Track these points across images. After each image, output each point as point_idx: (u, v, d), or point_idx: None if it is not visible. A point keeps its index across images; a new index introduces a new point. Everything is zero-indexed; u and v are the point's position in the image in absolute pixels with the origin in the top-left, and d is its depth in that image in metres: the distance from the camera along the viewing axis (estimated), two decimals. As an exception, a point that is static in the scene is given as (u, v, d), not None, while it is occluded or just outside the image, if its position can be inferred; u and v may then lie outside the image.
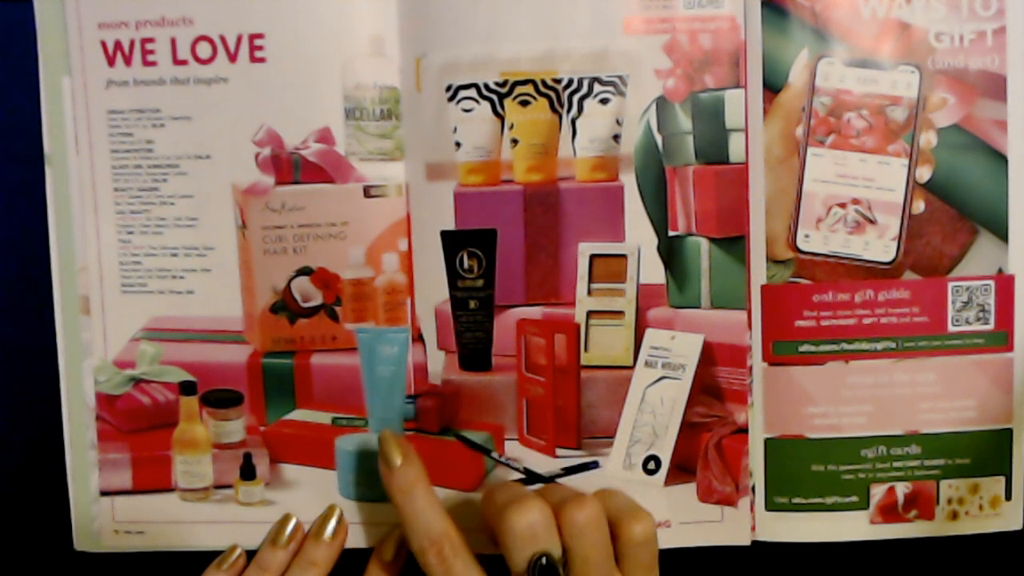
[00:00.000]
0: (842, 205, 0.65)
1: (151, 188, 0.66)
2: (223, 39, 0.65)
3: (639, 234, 0.66)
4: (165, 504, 0.68)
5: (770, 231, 0.66)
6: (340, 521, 0.66)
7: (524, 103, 0.65)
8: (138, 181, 0.66)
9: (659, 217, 0.66)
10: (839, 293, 0.66)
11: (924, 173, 0.65)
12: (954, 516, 0.67)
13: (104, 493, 0.68)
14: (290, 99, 0.65)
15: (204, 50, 0.65)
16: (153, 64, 0.65)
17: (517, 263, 0.67)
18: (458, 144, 0.66)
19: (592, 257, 0.66)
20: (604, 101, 0.65)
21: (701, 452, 0.66)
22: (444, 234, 0.66)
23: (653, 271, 0.66)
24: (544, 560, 0.58)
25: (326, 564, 0.65)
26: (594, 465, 0.67)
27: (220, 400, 0.67)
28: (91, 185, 0.66)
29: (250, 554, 0.66)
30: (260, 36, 0.65)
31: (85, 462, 0.67)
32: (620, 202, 0.66)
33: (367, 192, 0.66)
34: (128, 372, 0.67)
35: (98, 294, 0.67)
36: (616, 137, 0.66)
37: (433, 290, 0.66)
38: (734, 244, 0.66)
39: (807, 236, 0.66)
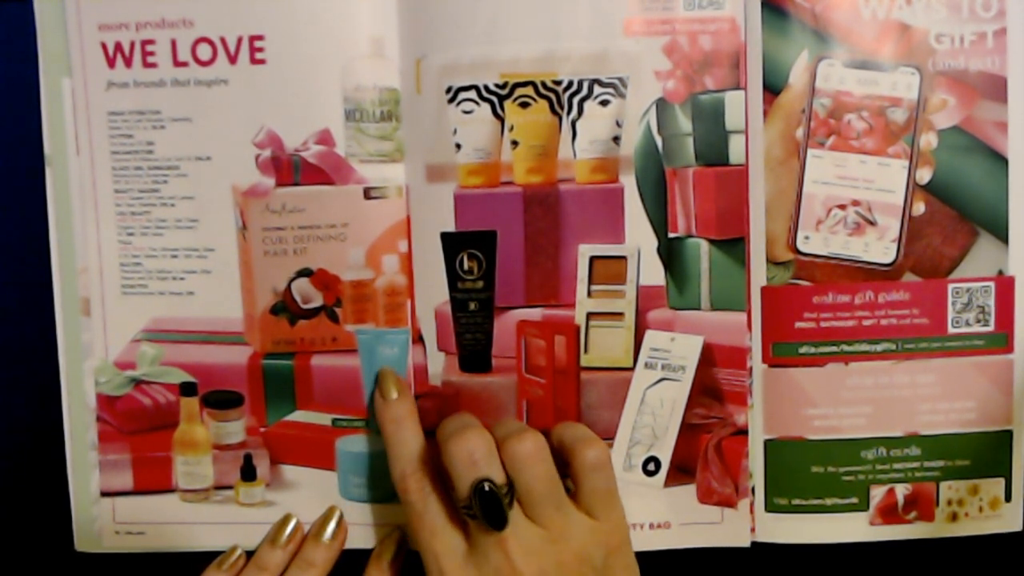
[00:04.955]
0: (842, 207, 0.65)
1: (151, 189, 0.66)
2: (223, 41, 0.65)
3: (639, 236, 0.66)
4: (166, 505, 0.68)
5: (770, 233, 0.66)
6: (340, 523, 0.66)
7: (524, 105, 0.65)
8: (138, 182, 0.66)
9: (659, 219, 0.66)
10: (839, 295, 0.66)
11: (924, 175, 0.65)
12: (954, 517, 0.67)
13: (105, 494, 0.68)
14: (290, 101, 0.65)
15: (204, 52, 0.65)
16: (153, 66, 0.65)
17: (517, 265, 0.67)
18: (458, 146, 0.66)
19: (592, 259, 0.66)
20: (604, 103, 0.65)
21: (701, 453, 0.66)
22: (444, 236, 0.66)
23: (653, 273, 0.66)
24: (486, 486, 0.59)
25: (324, 565, 0.65)
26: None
27: (220, 401, 0.68)
28: (91, 186, 0.66)
29: (250, 555, 0.66)
30: (260, 38, 0.65)
31: (86, 463, 0.68)
32: (620, 204, 0.66)
33: (367, 194, 0.66)
34: (129, 373, 0.67)
35: (98, 295, 0.67)
36: (616, 139, 0.66)
37: (433, 292, 0.66)
38: (734, 246, 0.66)
39: (807, 238, 0.66)
